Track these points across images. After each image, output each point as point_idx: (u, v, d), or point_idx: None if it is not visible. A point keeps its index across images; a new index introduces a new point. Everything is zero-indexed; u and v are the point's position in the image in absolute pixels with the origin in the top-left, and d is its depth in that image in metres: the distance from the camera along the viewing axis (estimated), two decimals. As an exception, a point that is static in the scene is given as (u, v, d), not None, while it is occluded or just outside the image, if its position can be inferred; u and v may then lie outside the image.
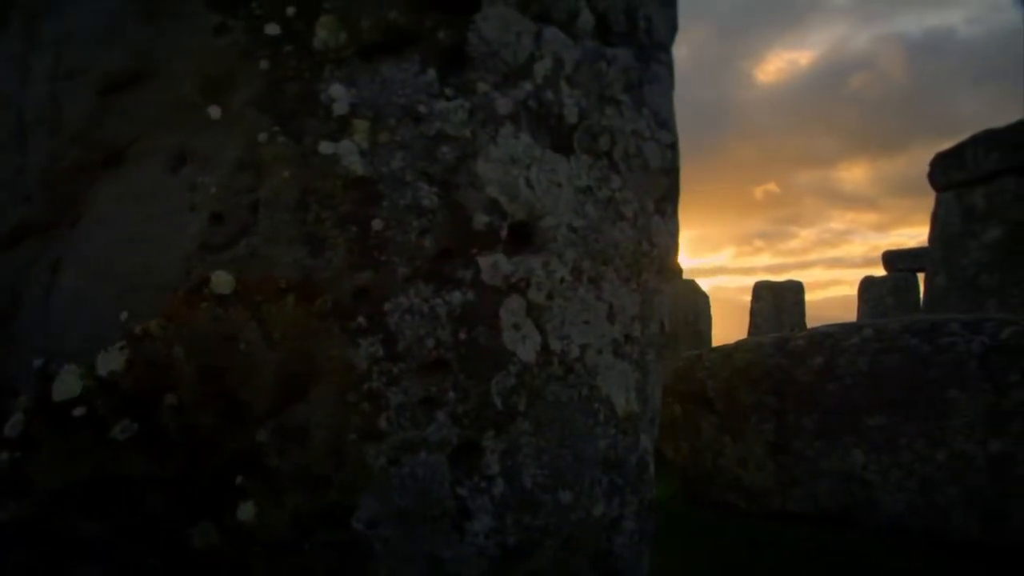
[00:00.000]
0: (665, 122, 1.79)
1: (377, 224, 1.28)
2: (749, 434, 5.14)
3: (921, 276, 10.03)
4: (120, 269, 1.26)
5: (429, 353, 1.32)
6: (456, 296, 1.36)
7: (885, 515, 4.77)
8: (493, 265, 1.41)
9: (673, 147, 1.80)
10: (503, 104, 1.45)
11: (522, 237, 1.47)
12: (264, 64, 1.26)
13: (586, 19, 1.65)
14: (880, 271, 15.10)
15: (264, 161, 1.24)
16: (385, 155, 1.30)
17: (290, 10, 1.27)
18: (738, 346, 5.42)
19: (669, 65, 1.88)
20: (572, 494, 1.52)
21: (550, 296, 1.51)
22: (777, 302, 15.67)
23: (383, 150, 1.30)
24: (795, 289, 16.33)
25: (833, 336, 5.06)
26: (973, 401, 4.55)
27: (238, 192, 1.24)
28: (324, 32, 1.28)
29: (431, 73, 1.38)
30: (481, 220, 1.40)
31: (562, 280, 1.53)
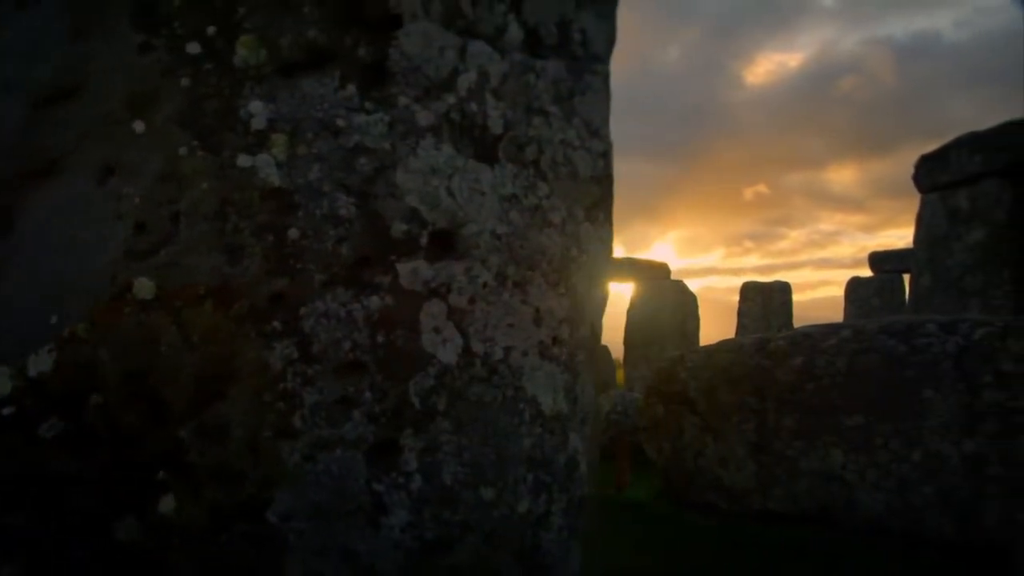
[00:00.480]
0: (597, 131, 1.85)
1: (293, 233, 1.35)
2: (730, 434, 5.19)
3: (907, 277, 10.07)
4: (50, 275, 1.34)
5: (345, 355, 1.39)
6: (374, 301, 1.43)
7: (863, 515, 4.82)
8: (413, 271, 1.48)
9: (605, 155, 1.86)
10: (424, 117, 1.52)
11: (444, 244, 1.54)
12: (185, 81, 1.33)
13: (514, 33, 1.71)
14: (867, 272, 15.17)
15: (185, 174, 1.31)
16: (302, 167, 1.37)
17: (211, 30, 1.34)
18: (720, 347, 5.47)
19: (605, 76, 1.94)
20: (495, 491, 1.58)
21: (472, 300, 1.57)
22: (765, 303, 15.73)
23: (300, 162, 1.37)
24: (782, 290, 16.39)
25: (812, 337, 5.12)
26: (948, 401, 4.60)
27: (160, 203, 1.31)
28: (244, 50, 1.35)
29: (351, 88, 1.45)
30: (400, 228, 1.46)
31: (485, 285, 1.59)
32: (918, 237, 7.89)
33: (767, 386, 5.11)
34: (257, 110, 1.35)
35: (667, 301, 13.73)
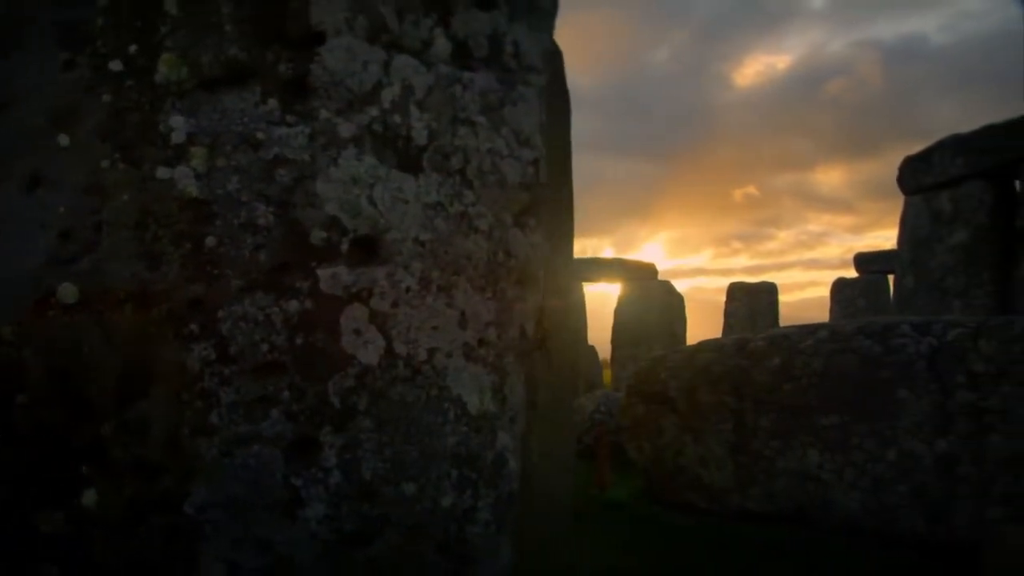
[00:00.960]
0: (528, 140, 1.92)
1: (211, 241, 1.43)
2: (709, 434, 5.25)
3: (892, 278, 10.11)
4: (-20, 281, 1.42)
5: (263, 356, 1.46)
6: (293, 305, 1.50)
7: (839, 514, 4.87)
8: (333, 276, 1.55)
9: (536, 163, 1.93)
10: (346, 128, 1.59)
11: (367, 250, 1.61)
12: (107, 97, 1.41)
13: (442, 46, 1.78)
14: (853, 273, 15.21)
15: (106, 185, 1.39)
16: (221, 178, 1.44)
17: (132, 48, 1.42)
18: (700, 347, 5.53)
19: (538, 86, 2.00)
20: (417, 486, 1.65)
21: (395, 304, 1.64)
22: (751, 303, 15.78)
23: (219, 174, 1.44)
24: (769, 290, 16.46)
25: (790, 337, 5.17)
26: (921, 401, 4.64)
27: (83, 213, 1.39)
28: (165, 68, 1.43)
29: (272, 102, 1.52)
30: (319, 236, 1.53)
31: (408, 289, 1.66)
32: (902, 238, 7.94)
33: (745, 386, 5.17)
34: (177, 124, 1.42)
35: (654, 301, 13.82)
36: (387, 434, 1.62)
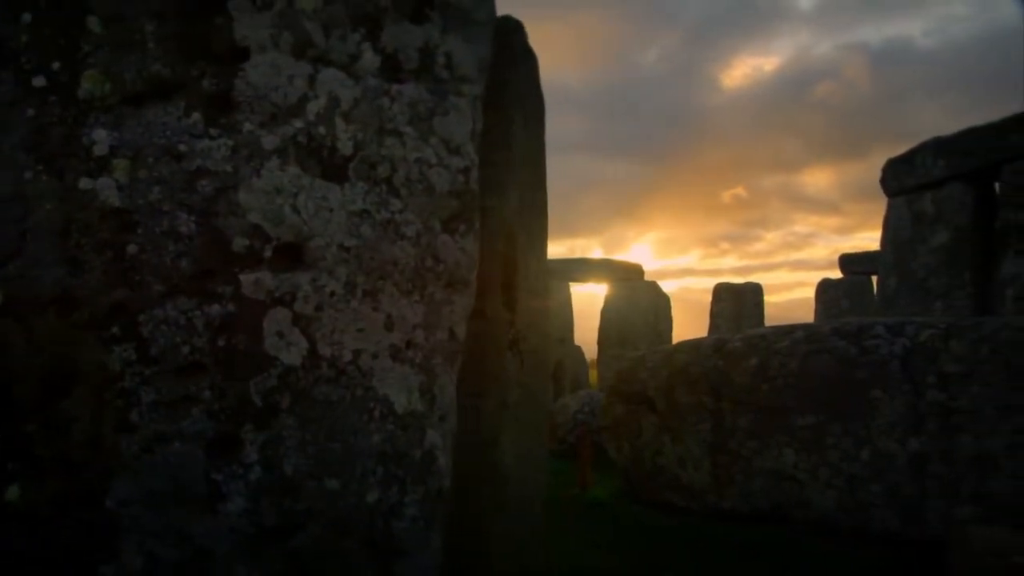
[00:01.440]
0: (458, 149, 1.99)
1: (132, 248, 1.50)
2: (688, 434, 5.30)
3: (876, 279, 10.14)
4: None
5: (185, 358, 1.54)
6: (215, 309, 1.58)
7: (815, 512, 4.91)
8: (255, 282, 1.63)
9: (466, 171, 2.00)
10: (269, 140, 1.67)
11: (290, 256, 1.69)
12: (31, 111, 1.49)
13: (370, 60, 1.86)
14: (839, 274, 15.26)
15: (30, 195, 1.47)
16: (143, 189, 1.52)
17: (56, 64, 1.50)
18: (679, 347, 5.58)
19: (472, 96, 2.07)
20: (340, 482, 1.73)
21: (319, 308, 1.72)
22: (737, 304, 15.83)
23: (141, 185, 1.52)
24: (755, 291, 16.55)
25: (767, 338, 5.22)
26: (894, 401, 4.69)
27: (8, 222, 1.47)
28: (88, 83, 1.51)
29: (196, 116, 1.60)
30: (242, 243, 1.61)
31: (333, 293, 1.74)
32: (885, 239, 7.97)
33: (723, 386, 5.21)
34: (100, 137, 1.50)
35: (640, 302, 13.90)
36: (310, 432, 1.69)
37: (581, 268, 14.78)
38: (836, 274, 15.46)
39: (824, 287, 15.23)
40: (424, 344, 1.90)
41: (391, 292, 1.84)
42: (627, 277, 14.86)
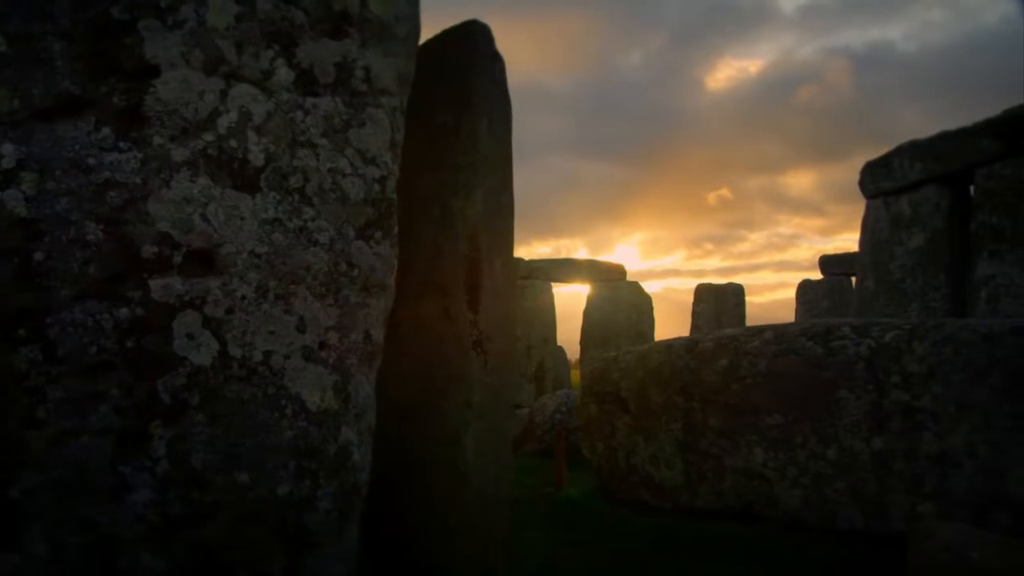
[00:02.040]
0: (374, 159, 2.09)
1: (39, 256, 1.61)
2: (660, 433, 5.38)
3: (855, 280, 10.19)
4: None
5: (92, 358, 1.64)
6: (124, 312, 1.68)
7: (783, 510, 4.98)
8: (165, 286, 1.73)
9: (382, 180, 2.10)
10: (179, 153, 1.77)
11: (202, 262, 1.79)
12: (-58, 128, 1.60)
13: (284, 75, 1.96)
14: (819, 275, 15.33)
15: (-59, 207, 1.57)
16: (51, 200, 1.63)
17: (-35, 84, 1.60)
18: (651, 348, 5.66)
19: (392, 108, 2.17)
20: (251, 475, 1.82)
21: (231, 311, 1.82)
22: (718, 304, 15.92)
23: (49, 196, 1.63)
24: (736, 292, 16.67)
25: (737, 339, 5.29)
26: (860, 401, 4.76)
27: (-79, 232, 1.58)
28: (-2, 101, 1.61)
29: (106, 130, 1.70)
30: (151, 250, 1.71)
31: (244, 297, 1.84)
32: (863, 241, 8.03)
33: (694, 386, 5.29)
34: (8, 152, 1.61)
35: (622, 302, 14.00)
36: (220, 428, 1.79)
37: (563, 269, 14.86)
38: (818, 275, 15.52)
39: (804, 288, 15.33)
40: (338, 345, 2.00)
41: (304, 296, 1.93)
42: (609, 277, 14.95)
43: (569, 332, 14.66)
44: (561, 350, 14.09)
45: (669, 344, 5.60)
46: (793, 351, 5.08)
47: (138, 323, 1.69)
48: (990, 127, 6.49)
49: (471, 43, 3.68)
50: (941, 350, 4.58)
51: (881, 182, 7.72)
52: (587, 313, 14.44)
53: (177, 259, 1.75)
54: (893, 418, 4.65)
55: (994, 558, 3.72)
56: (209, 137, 1.81)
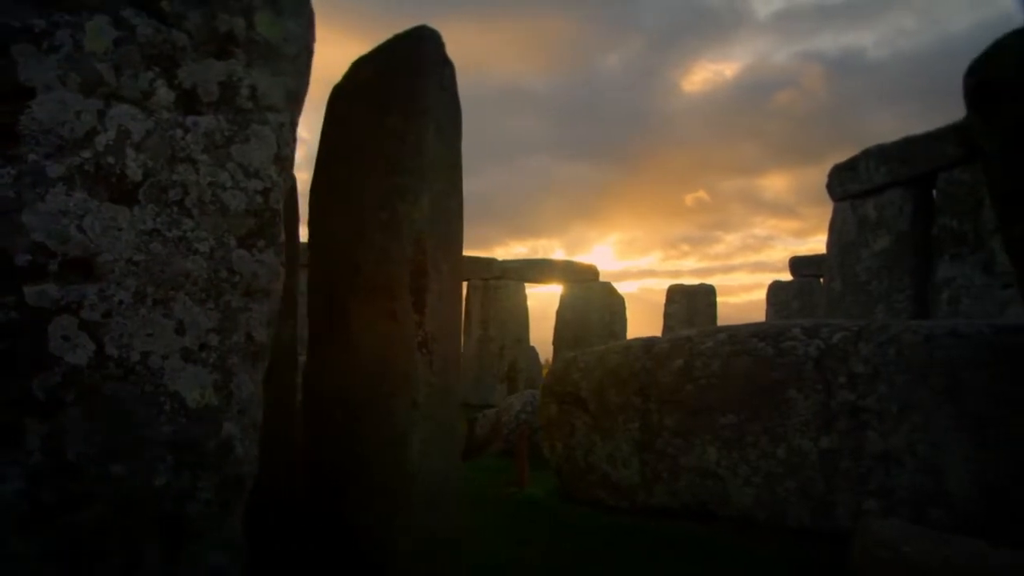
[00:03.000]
0: (257, 172, 2.22)
1: (-87, 266, 1.75)
2: (618, 433, 5.48)
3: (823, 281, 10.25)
4: None
5: (-35, 359, 1.78)
6: (-2, 317, 1.82)
7: (736, 508, 5.08)
8: (39, 293, 1.87)
9: (265, 192, 2.23)
10: (54, 169, 1.91)
11: (80, 270, 1.93)
12: None
13: (164, 95, 2.10)
14: (790, 276, 15.41)
15: None
16: (-74, 214, 1.77)
17: None
18: (610, 349, 5.76)
19: (279, 123, 2.30)
20: (126, 467, 1.96)
21: (107, 314, 1.96)
22: (690, 305, 16.02)
23: (-76, 211, 1.77)
24: (707, 292, 16.81)
25: (692, 340, 5.39)
26: (808, 401, 4.85)
27: None
28: None
29: (-20, 149, 1.84)
30: (24, 259, 1.86)
31: (121, 302, 1.98)
32: (830, 243, 8.11)
33: (651, 387, 5.39)
34: None
35: (595, 303, 14.15)
36: (97, 423, 1.93)
37: (536, 269, 15.02)
38: (790, 276, 15.59)
39: (775, 289, 15.44)
40: (219, 346, 2.13)
41: (184, 301, 2.07)
42: (582, 278, 15.09)
43: (543, 332, 14.81)
44: (534, 350, 14.23)
45: (627, 345, 5.71)
46: (745, 352, 5.18)
47: (12, 327, 1.83)
48: (954, 132, 6.56)
49: (420, 48, 3.79)
50: (885, 351, 4.67)
51: (848, 185, 7.80)
52: (560, 313, 14.58)
53: (53, 267, 1.88)
54: (840, 418, 4.74)
55: (925, 553, 3.82)
56: (86, 154, 1.95)
